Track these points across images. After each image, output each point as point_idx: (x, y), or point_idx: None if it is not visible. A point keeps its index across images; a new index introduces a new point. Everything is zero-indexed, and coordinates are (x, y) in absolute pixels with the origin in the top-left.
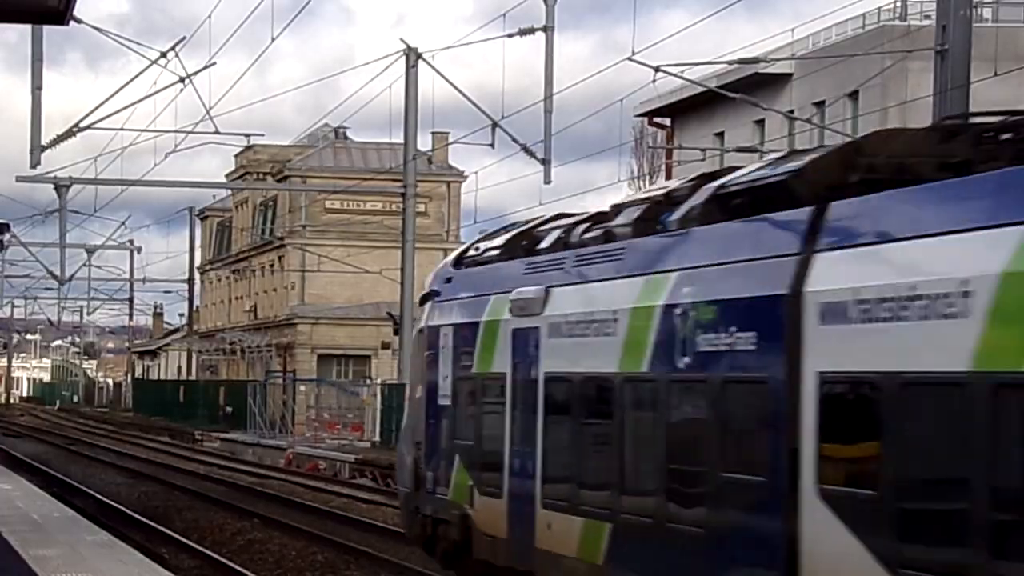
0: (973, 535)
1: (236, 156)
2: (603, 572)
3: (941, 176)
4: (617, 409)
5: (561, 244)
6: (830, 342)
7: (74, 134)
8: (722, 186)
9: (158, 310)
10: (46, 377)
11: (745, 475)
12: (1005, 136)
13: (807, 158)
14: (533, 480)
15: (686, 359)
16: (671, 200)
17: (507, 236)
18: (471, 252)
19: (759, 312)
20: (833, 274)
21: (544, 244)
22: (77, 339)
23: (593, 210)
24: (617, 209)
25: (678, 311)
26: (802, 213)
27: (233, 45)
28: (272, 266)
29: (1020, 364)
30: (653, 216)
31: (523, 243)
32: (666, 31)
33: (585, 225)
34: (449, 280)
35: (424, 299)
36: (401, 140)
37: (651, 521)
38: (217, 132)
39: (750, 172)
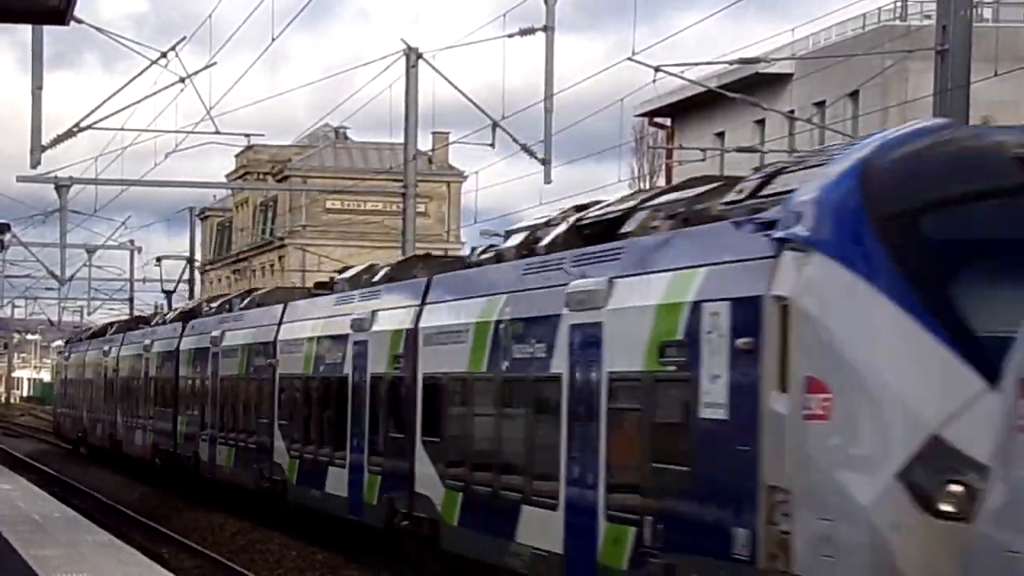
0: None
1: (236, 156)
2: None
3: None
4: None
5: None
6: None
7: (74, 134)
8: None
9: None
10: (47, 377)
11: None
12: None
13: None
14: (81, 412)
15: None
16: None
17: (90, 332)
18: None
19: None
20: None
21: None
22: None
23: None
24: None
25: None
26: None
27: (244, 45)
28: (272, 266)
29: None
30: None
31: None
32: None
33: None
34: (68, 342)
35: (66, 342)
36: (402, 140)
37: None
38: (217, 132)
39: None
